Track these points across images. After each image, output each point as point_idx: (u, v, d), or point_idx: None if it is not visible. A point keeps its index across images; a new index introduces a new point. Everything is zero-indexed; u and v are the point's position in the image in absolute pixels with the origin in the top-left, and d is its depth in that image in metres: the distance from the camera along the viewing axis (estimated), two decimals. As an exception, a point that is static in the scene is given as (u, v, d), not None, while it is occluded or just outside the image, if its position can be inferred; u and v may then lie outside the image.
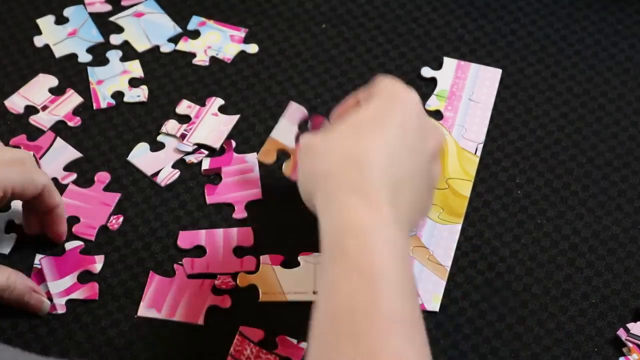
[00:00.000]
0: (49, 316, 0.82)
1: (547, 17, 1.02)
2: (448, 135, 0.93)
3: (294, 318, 0.79)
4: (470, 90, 0.97)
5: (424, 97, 0.96)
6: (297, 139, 0.90)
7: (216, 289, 0.84)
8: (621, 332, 0.82)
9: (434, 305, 0.83)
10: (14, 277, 0.81)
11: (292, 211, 0.88)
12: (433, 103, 0.96)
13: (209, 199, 0.89)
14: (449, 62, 0.99)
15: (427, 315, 0.83)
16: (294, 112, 0.93)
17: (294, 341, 0.81)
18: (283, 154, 0.90)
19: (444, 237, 0.87)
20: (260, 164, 0.91)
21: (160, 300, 0.83)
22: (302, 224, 0.88)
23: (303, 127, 0.92)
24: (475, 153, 0.93)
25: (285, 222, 0.88)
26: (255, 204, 0.89)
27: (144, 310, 0.83)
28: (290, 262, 0.85)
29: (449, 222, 0.88)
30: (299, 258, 0.85)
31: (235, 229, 0.88)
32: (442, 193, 0.90)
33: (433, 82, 0.98)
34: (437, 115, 0.95)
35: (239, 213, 0.88)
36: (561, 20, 1.02)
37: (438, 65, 0.99)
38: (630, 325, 0.82)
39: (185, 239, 0.87)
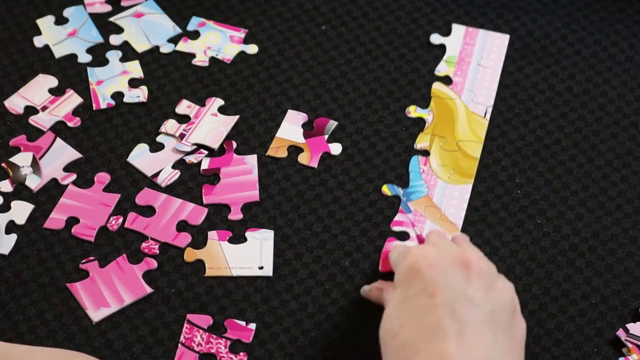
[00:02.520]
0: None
1: (547, 16, 1.02)
2: (458, 100, 0.96)
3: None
4: (479, 55, 0.99)
5: (434, 63, 0.98)
6: (304, 135, 0.93)
7: (136, 257, 0.86)
8: (621, 333, 0.82)
9: None
10: None
11: (288, 214, 0.89)
12: (442, 69, 0.98)
13: (206, 199, 0.89)
14: (458, 29, 1.01)
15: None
16: (294, 116, 0.94)
17: (243, 323, 0.82)
18: (294, 149, 0.93)
19: (455, 197, 0.89)
20: (262, 165, 0.92)
21: (100, 298, 0.84)
22: (298, 227, 0.88)
23: (305, 126, 0.94)
24: (485, 116, 0.95)
25: (282, 224, 0.88)
26: (253, 206, 0.89)
27: (96, 313, 0.83)
28: (237, 238, 0.87)
29: (459, 182, 0.90)
30: (246, 234, 0.87)
31: (192, 204, 0.89)
32: (452, 155, 0.92)
33: (442, 48, 0.99)
34: (446, 80, 0.97)
35: (235, 214, 0.89)
36: (561, 20, 1.02)
37: (447, 32, 1.01)
38: (629, 326, 0.82)
39: (144, 195, 0.90)
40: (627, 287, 0.85)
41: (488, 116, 0.95)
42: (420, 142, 0.93)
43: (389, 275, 0.81)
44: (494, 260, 0.85)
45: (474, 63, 0.98)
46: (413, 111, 0.95)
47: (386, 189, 0.90)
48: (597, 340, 0.82)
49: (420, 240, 0.87)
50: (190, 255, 0.86)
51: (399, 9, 1.03)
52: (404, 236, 0.87)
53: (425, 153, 0.92)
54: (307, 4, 1.03)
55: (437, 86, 0.97)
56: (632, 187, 0.91)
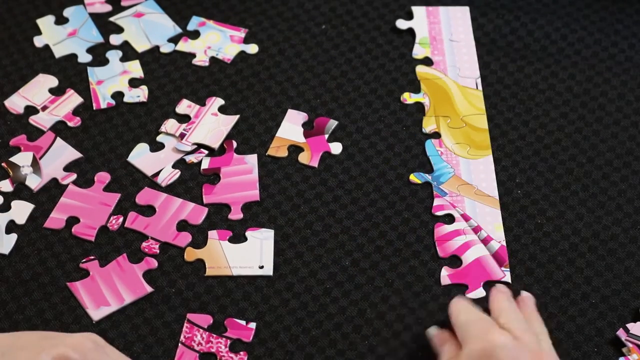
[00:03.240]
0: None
1: (547, 16, 1.02)
2: (446, 78, 0.97)
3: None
4: (448, 32, 1.00)
5: (407, 46, 0.99)
6: (304, 135, 0.93)
7: (136, 256, 0.86)
8: (621, 333, 0.82)
9: (499, 235, 0.86)
10: None
11: (289, 214, 0.89)
12: (419, 52, 1.00)
13: (206, 199, 0.89)
14: (418, 11, 1.02)
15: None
16: (294, 115, 0.94)
17: (243, 322, 0.82)
18: (294, 148, 0.93)
19: (481, 171, 0.91)
20: (263, 165, 0.92)
21: (100, 297, 0.84)
22: (298, 226, 0.88)
23: (306, 126, 0.94)
24: (477, 88, 0.96)
25: (282, 223, 0.88)
26: (253, 205, 0.89)
27: (97, 312, 0.83)
28: (237, 237, 0.87)
29: (479, 155, 0.92)
30: (246, 233, 0.87)
31: (192, 204, 0.89)
32: (462, 131, 0.94)
33: (411, 33, 1.01)
34: (426, 61, 0.99)
35: (235, 214, 0.89)
36: (561, 20, 1.02)
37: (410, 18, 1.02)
38: (630, 326, 0.82)
39: (145, 195, 0.90)
40: (627, 287, 0.85)
41: (480, 87, 0.96)
42: (428, 126, 0.94)
43: (451, 261, 0.85)
44: (494, 260, 0.86)
45: (446, 40, 1.00)
46: (409, 98, 0.96)
47: (414, 178, 0.91)
48: (597, 340, 0.82)
49: (466, 218, 0.87)
50: (191, 254, 0.86)
51: (399, 9, 1.03)
52: (449, 219, 0.88)
53: (436, 135, 0.93)
54: (307, 4, 1.03)
55: (420, 69, 0.98)
56: (632, 187, 0.91)
